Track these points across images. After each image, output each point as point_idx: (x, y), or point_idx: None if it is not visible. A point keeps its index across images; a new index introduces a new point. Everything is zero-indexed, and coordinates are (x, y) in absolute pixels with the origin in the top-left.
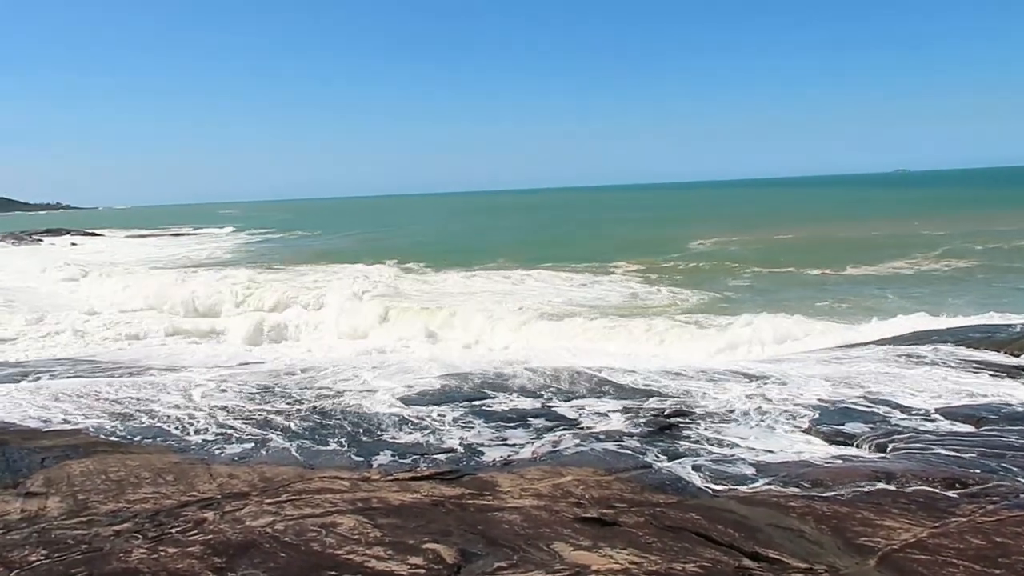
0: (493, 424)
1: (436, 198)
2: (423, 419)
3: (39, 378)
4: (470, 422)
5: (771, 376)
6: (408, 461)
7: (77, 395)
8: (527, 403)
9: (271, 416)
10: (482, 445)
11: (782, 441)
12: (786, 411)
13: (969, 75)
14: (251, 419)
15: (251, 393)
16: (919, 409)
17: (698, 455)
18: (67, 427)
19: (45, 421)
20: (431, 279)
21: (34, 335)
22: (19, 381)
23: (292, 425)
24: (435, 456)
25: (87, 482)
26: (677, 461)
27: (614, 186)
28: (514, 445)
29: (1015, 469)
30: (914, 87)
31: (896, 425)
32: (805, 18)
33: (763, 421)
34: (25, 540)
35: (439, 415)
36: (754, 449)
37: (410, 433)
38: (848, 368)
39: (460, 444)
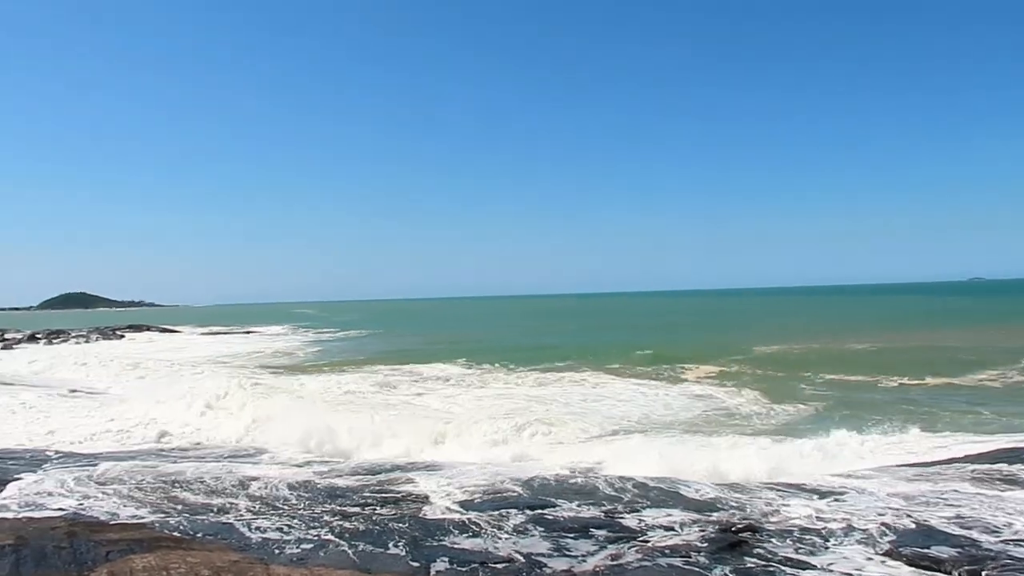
0: (554, 533)
1: (490, 300)
2: (482, 525)
3: (112, 470)
4: (530, 530)
5: (848, 492)
6: (466, 569)
7: (146, 488)
8: (590, 512)
9: (331, 516)
10: (542, 555)
11: (860, 563)
12: (864, 530)
13: None
14: (312, 518)
15: (315, 491)
16: (1011, 534)
17: (770, 575)
18: (132, 521)
19: (112, 514)
20: (504, 381)
21: (110, 428)
22: (91, 471)
23: (351, 526)
24: (493, 565)
25: None
26: None
27: (659, 292)
28: (575, 556)
29: None
30: (990, 193)
31: (988, 550)
32: (866, 121)
33: (839, 540)
34: None
35: (499, 521)
36: (831, 572)
37: (469, 539)
38: (932, 486)
39: (519, 553)
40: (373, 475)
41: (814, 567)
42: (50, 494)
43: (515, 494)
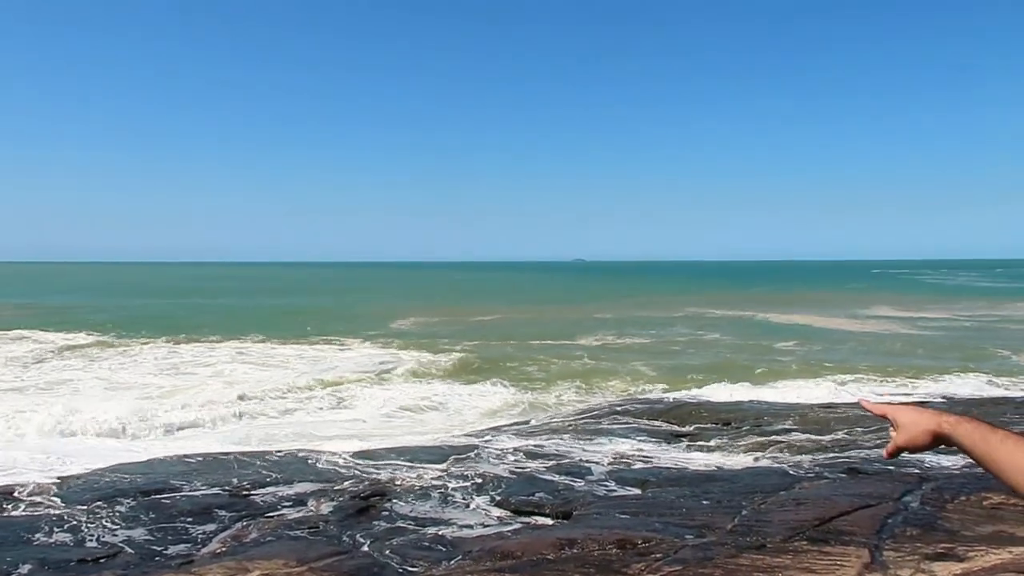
0: (171, 518)
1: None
2: (84, 518)
3: None
4: (143, 517)
5: (469, 451)
6: (60, 570)
7: None
8: (212, 492)
9: None
10: (156, 543)
11: (478, 516)
12: (481, 485)
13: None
14: None
15: None
16: (597, 476)
17: (396, 535)
18: None
19: None
20: (123, 353)
21: None
22: None
23: None
24: (99, 560)
25: None
26: (374, 543)
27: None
28: (194, 541)
29: (673, 527)
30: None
31: (578, 492)
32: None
33: (459, 496)
34: None
35: (105, 512)
36: (452, 525)
37: (67, 536)
38: (539, 440)
39: (129, 545)
40: None
41: (436, 522)
42: None
43: (124, 478)
